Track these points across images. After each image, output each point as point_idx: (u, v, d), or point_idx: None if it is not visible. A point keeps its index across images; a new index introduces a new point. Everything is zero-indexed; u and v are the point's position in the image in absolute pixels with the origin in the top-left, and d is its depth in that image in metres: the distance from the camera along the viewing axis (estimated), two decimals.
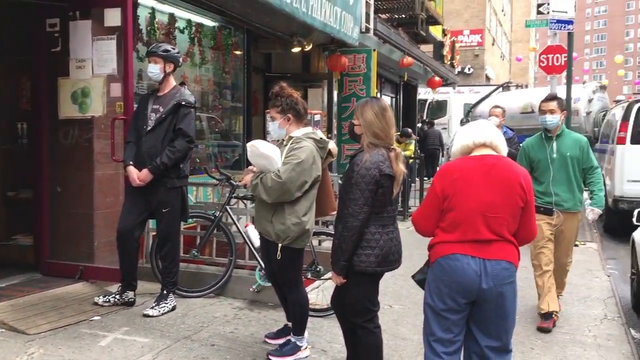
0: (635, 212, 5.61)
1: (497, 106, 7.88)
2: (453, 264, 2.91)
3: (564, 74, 10.81)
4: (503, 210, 2.92)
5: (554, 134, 5.03)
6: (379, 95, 13.61)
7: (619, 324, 5.14)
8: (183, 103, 4.94)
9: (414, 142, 13.32)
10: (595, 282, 6.55)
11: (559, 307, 5.12)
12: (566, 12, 9.74)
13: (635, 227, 5.83)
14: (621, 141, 9.59)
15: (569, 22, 9.82)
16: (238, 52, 8.49)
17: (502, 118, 7.59)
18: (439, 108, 21.35)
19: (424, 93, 21.31)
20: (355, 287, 3.44)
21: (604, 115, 13.59)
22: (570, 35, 10.28)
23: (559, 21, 9.77)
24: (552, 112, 4.96)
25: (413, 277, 3.27)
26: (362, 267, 3.34)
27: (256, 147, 3.84)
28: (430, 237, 3.10)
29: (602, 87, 17.32)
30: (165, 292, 5.07)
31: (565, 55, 10.37)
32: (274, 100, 4.05)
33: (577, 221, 5.17)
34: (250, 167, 4.08)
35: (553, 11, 9.75)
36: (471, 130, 3.10)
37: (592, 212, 5.08)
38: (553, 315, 4.92)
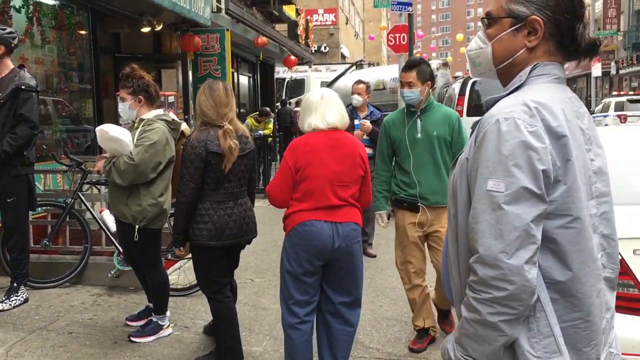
0: None
1: (360, 81, 6.60)
2: (309, 229, 3.17)
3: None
4: (348, 179, 3.25)
5: (418, 109, 4.02)
6: (235, 75, 13.64)
7: None
8: (23, 87, 4.70)
9: (272, 120, 13.47)
10: None
11: (438, 318, 4.35)
12: None
13: None
14: (459, 114, 10.48)
15: (408, 3, 10.50)
16: (83, 32, 8.13)
17: (366, 95, 6.48)
18: (297, 86, 21.74)
19: (282, 72, 21.60)
20: (197, 261, 3.66)
21: (447, 91, 14.71)
22: (410, 16, 10.98)
23: (399, 3, 10.42)
24: (410, 85, 3.97)
25: None
26: (196, 240, 3.53)
27: (106, 131, 3.82)
28: (284, 207, 3.32)
29: (445, 64, 18.64)
30: (15, 284, 4.86)
31: None
32: (125, 82, 4.04)
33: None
34: (98, 165, 4.11)
35: None
36: (324, 114, 3.28)
37: None
38: (430, 332, 4.12)
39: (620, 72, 36.74)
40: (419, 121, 4.00)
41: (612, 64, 37.22)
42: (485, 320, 1.41)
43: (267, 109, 12.52)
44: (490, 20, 1.59)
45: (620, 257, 1.62)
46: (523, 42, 1.53)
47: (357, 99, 6.47)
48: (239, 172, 3.57)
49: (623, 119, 18.84)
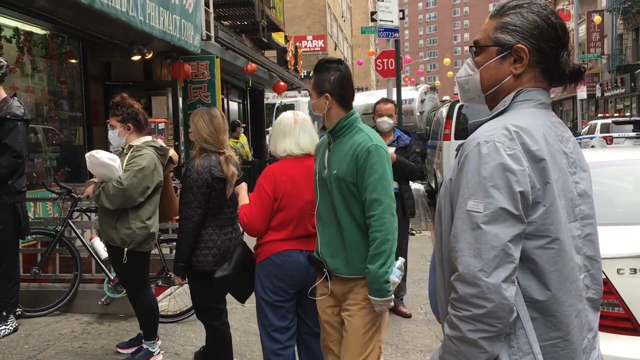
0: None
1: (386, 100, 5.36)
2: (286, 260, 3.16)
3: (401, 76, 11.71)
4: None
5: (327, 131, 2.94)
6: (225, 101, 13.72)
7: None
8: (8, 117, 4.75)
9: (242, 131, 12.46)
10: (427, 266, 7.22)
11: None
12: (392, 21, 10.57)
13: None
14: (447, 137, 10.58)
15: (395, 30, 10.68)
16: (73, 61, 8.20)
17: (394, 118, 5.23)
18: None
19: (272, 97, 21.75)
20: (198, 287, 3.62)
21: (434, 115, 14.87)
22: (397, 42, 11.15)
23: (386, 30, 10.59)
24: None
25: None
26: (201, 267, 3.53)
27: (95, 157, 3.88)
28: (261, 236, 3.26)
29: (433, 89, 18.92)
30: (4, 313, 4.83)
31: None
32: (115, 110, 4.12)
33: (362, 294, 2.80)
34: (88, 190, 4.15)
35: (380, 20, 10.53)
36: (298, 141, 3.23)
37: (375, 302, 2.74)
38: None
39: (605, 94, 37.25)
40: (327, 151, 2.92)
41: (597, 86, 37.75)
42: (465, 337, 1.45)
43: (237, 121, 12.36)
44: (477, 48, 1.66)
45: (604, 277, 1.68)
46: (509, 69, 1.60)
47: (387, 123, 5.04)
48: (234, 197, 3.62)
49: (609, 141, 19.11)
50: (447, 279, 1.56)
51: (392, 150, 4.84)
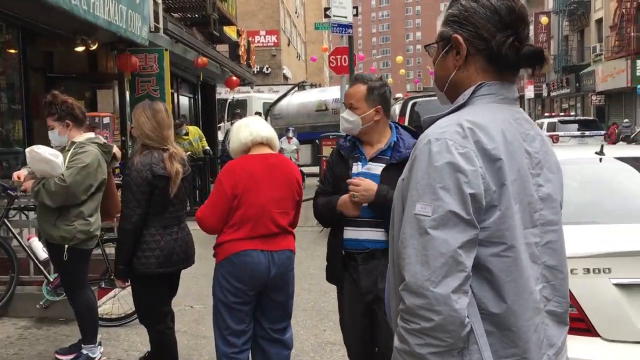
0: None
1: (355, 80, 3.00)
2: (245, 260, 3.05)
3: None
4: (287, 205, 3.16)
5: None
6: (175, 95, 13.40)
7: None
8: None
9: (184, 130, 11.62)
10: None
11: None
12: (345, 17, 10.51)
13: None
14: None
15: (349, 26, 10.63)
16: (12, 51, 7.79)
17: (366, 110, 2.95)
18: (240, 107, 21.63)
19: (224, 93, 21.43)
20: (140, 290, 3.47)
21: None
22: (350, 38, 11.11)
23: (340, 25, 10.53)
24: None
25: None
26: (142, 269, 3.36)
27: (36, 152, 3.74)
28: (217, 233, 3.20)
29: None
30: None
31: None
32: (49, 109, 3.98)
33: None
34: (17, 172, 4.01)
35: (334, 16, 10.47)
36: (249, 129, 3.24)
37: None
38: None
39: (552, 94, 38.37)
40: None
41: (544, 86, 38.85)
42: (414, 352, 1.32)
43: (177, 121, 12.06)
44: (432, 46, 1.59)
45: None
46: (453, 62, 1.51)
47: (347, 121, 2.87)
48: (181, 195, 3.49)
49: (555, 139, 19.63)
50: (397, 287, 1.44)
51: (376, 168, 2.83)
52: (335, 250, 2.89)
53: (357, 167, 2.84)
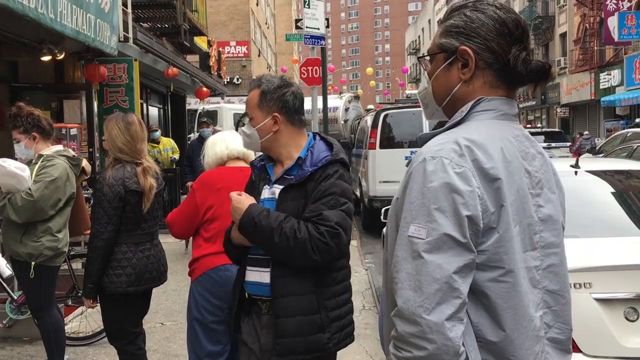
0: (382, 211, 6.17)
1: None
2: (224, 275, 2.96)
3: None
4: None
5: None
6: (144, 106, 13.20)
7: (374, 313, 5.67)
8: None
9: (170, 145, 11.46)
10: (354, 277, 7.14)
11: None
12: (318, 28, 10.51)
13: (384, 224, 6.46)
14: (372, 146, 10.59)
15: (321, 37, 10.62)
16: None
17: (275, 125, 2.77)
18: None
19: (194, 103, 21.22)
20: (109, 310, 3.34)
21: (359, 123, 14.95)
22: (323, 50, 11.10)
23: (312, 37, 10.51)
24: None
25: None
26: (113, 288, 3.24)
27: (2, 166, 3.60)
28: (186, 238, 3.13)
29: (356, 97, 19.08)
30: None
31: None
32: (15, 122, 3.85)
33: None
34: None
35: (307, 27, 10.45)
36: (225, 142, 3.18)
37: None
38: None
39: (519, 106, 39.06)
40: None
41: None
42: None
43: (152, 125, 11.90)
44: (429, 58, 1.50)
45: None
46: (458, 75, 1.43)
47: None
48: (154, 210, 3.38)
49: None
50: (390, 312, 1.36)
51: (274, 190, 2.40)
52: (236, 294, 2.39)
53: (265, 192, 2.37)
